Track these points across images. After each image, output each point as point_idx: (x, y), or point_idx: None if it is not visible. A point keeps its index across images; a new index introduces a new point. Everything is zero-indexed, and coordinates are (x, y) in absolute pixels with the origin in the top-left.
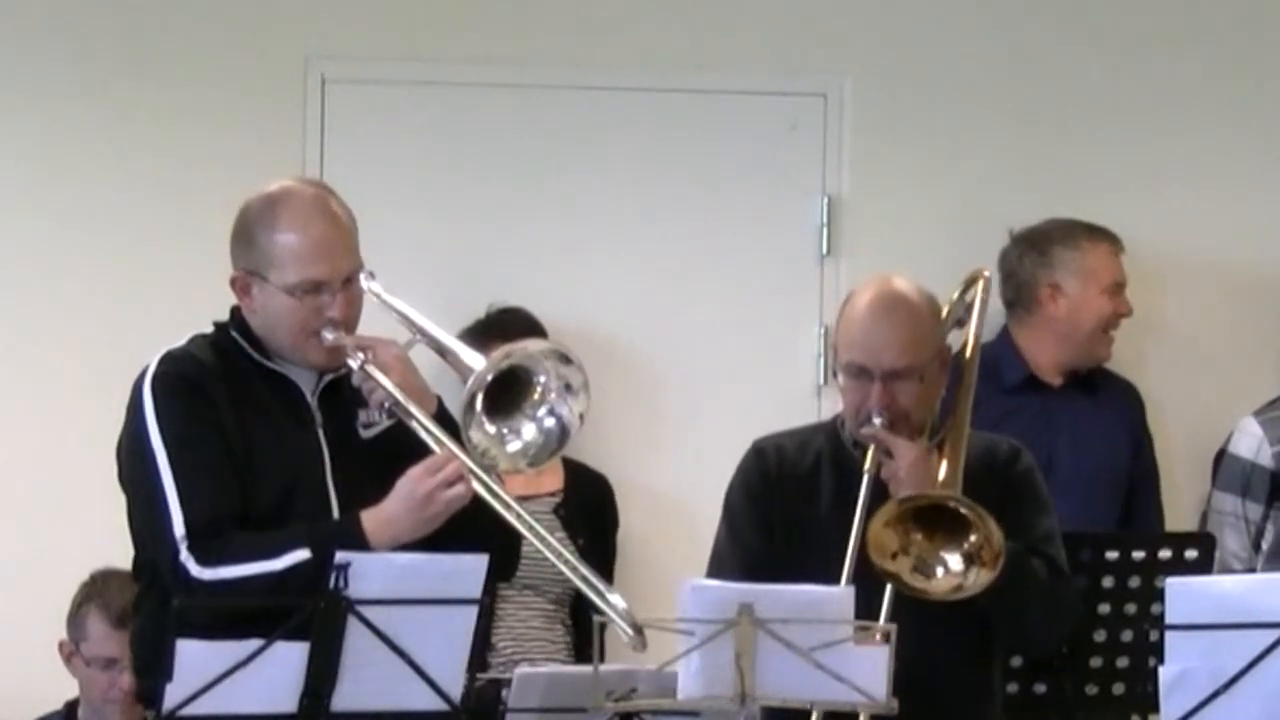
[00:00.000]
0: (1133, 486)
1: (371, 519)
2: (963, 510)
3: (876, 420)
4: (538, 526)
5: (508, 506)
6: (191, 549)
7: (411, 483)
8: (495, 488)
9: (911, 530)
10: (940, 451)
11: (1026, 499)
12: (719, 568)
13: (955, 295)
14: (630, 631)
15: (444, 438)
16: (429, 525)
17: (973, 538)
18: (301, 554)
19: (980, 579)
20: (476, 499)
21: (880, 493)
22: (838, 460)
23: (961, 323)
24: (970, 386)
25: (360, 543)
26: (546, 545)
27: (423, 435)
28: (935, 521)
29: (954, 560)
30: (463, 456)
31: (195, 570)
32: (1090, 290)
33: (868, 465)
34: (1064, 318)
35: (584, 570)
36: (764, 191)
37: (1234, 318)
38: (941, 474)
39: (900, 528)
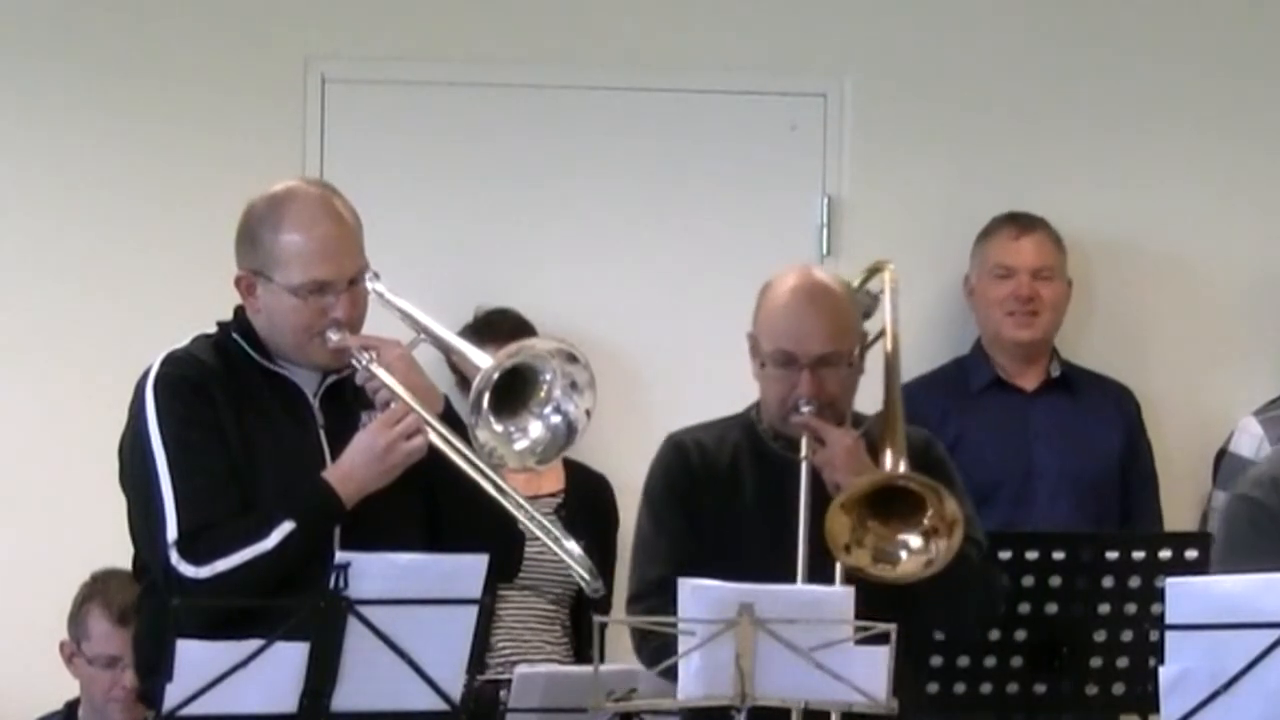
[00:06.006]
0: (1129, 490)
1: (334, 475)
2: (914, 487)
3: (805, 409)
4: (496, 478)
5: (466, 459)
6: (182, 553)
7: (370, 435)
8: (453, 440)
9: (867, 519)
10: (881, 438)
11: (944, 485)
12: (647, 560)
13: (856, 284)
14: (588, 577)
15: (449, 435)
16: (388, 476)
17: (929, 513)
18: (287, 525)
19: (947, 548)
20: (435, 452)
21: (815, 480)
22: (757, 453)
23: (868, 313)
24: (897, 372)
25: (333, 500)
26: (506, 496)
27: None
28: (887, 507)
29: (914, 540)
30: (430, 420)
31: (190, 571)
32: (985, 278)
33: (804, 453)
34: (977, 309)
35: (540, 519)
36: (764, 191)
37: (1232, 317)
38: (888, 457)
39: (855, 515)
